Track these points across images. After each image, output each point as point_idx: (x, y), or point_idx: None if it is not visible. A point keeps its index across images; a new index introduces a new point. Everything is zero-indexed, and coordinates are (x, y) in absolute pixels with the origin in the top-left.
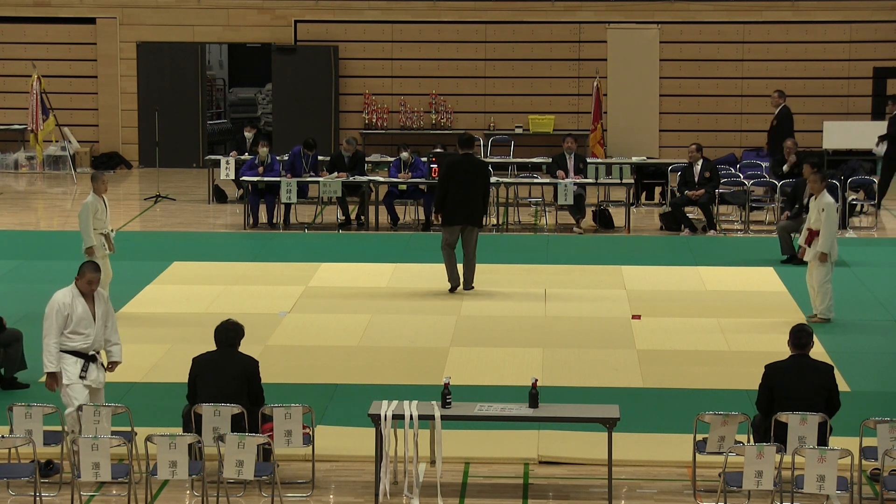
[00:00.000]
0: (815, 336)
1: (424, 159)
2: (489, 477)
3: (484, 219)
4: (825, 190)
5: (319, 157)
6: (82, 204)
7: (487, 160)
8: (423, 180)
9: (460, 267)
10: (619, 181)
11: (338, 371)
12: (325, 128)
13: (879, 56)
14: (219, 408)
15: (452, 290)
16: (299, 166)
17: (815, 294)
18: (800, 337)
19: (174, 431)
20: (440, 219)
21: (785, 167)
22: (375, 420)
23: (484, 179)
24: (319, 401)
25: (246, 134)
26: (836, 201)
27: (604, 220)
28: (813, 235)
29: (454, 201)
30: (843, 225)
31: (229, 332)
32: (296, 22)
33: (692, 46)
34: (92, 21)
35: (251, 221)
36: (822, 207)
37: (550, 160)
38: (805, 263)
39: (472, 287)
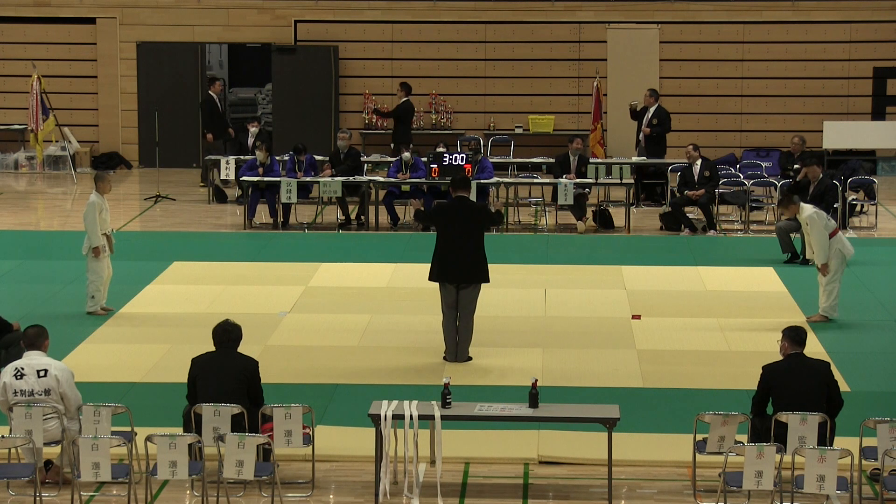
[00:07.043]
0: (815, 335)
1: (425, 159)
2: (489, 477)
3: (485, 274)
4: (800, 206)
5: (318, 157)
6: (87, 203)
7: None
8: (422, 180)
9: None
10: (619, 181)
11: (338, 371)
12: (325, 128)
13: (879, 56)
14: (219, 408)
15: (447, 358)
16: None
17: (822, 291)
18: (798, 333)
19: (174, 431)
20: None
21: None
22: (375, 420)
23: (482, 227)
24: (319, 401)
25: (250, 129)
26: (836, 201)
27: (604, 220)
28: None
29: (446, 253)
30: (843, 225)
31: (228, 333)
32: (296, 22)
33: (692, 46)
34: (92, 21)
35: (251, 221)
36: (806, 222)
37: (553, 160)
38: (806, 263)
39: (470, 358)
